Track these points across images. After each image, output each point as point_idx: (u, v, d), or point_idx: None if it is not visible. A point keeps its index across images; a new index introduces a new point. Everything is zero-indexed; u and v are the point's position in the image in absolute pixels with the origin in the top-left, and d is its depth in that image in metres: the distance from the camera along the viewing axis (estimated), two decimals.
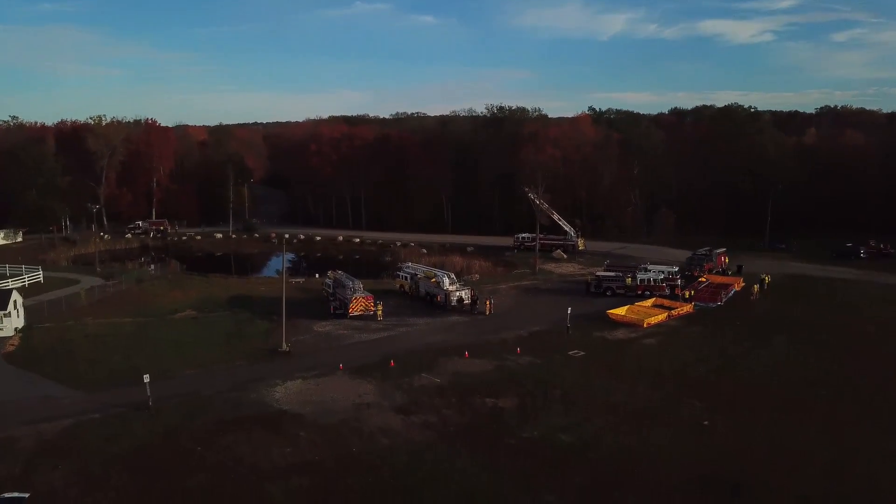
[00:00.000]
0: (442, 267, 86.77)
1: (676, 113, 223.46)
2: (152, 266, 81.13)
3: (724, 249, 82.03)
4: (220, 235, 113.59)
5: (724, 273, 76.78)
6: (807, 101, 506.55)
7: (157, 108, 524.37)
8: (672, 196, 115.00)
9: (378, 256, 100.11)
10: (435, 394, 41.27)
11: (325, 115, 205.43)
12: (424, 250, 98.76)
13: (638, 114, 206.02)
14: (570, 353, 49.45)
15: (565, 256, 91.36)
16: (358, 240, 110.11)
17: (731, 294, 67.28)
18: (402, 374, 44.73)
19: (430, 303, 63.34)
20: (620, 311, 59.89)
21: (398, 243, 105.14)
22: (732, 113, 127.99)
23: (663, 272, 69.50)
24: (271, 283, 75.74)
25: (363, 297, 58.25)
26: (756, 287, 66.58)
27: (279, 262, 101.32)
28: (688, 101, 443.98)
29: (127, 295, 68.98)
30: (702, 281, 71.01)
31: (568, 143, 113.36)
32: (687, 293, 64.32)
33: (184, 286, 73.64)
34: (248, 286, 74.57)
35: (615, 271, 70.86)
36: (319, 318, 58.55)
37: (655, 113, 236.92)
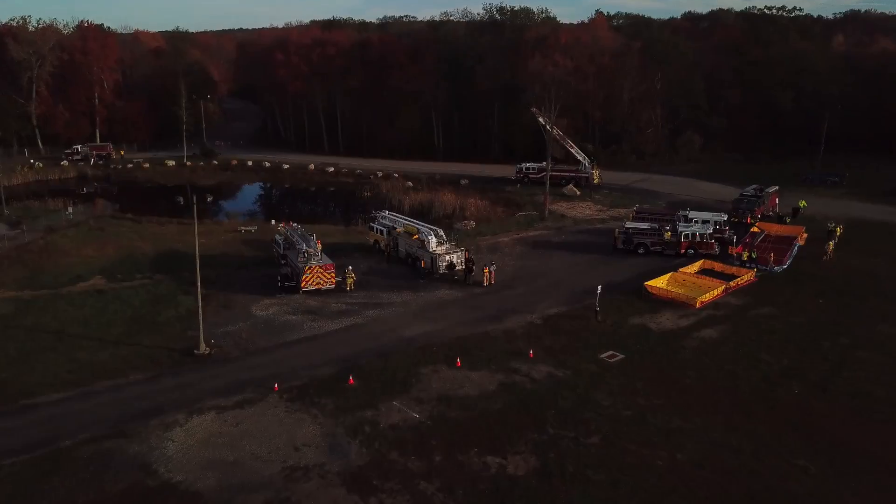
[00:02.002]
0: (430, 207, 72.46)
1: (690, 18, 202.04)
2: (70, 209, 65.50)
3: (776, 188, 66.92)
4: (171, 163, 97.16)
5: (780, 219, 61.96)
6: (812, 6, 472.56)
7: (135, 13, 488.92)
8: (700, 115, 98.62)
9: (355, 189, 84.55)
10: (410, 444, 27.26)
11: (307, 21, 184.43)
12: (410, 184, 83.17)
13: (650, 18, 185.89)
14: (604, 356, 35.31)
15: (578, 193, 76.13)
16: (332, 168, 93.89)
17: (794, 251, 52.84)
18: (364, 400, 30.61)
19: (413, 267, 48.68)
20: (660, 281, 45.47)
21: (379, 173, 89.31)
22: (774, 17, 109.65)
23: (708, 221, 54.79)
24: (218, 232, 60.70)
25: (320, 267, 43.43)
26: (831, 244, 51.96)
27: (241, 198, 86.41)
28: (691, 5, 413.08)
29: (25, 252, 53.86)
30: (755, 232, 56.38)
31: (581, 52, 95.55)
32: (745, 253, 49.73)
33: (105, 237, 58.62)
34: (186, 236, 59.11)
35: (649, 221, 56.01)
36: (264, 293, 43.87)
37: (667, 17, 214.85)
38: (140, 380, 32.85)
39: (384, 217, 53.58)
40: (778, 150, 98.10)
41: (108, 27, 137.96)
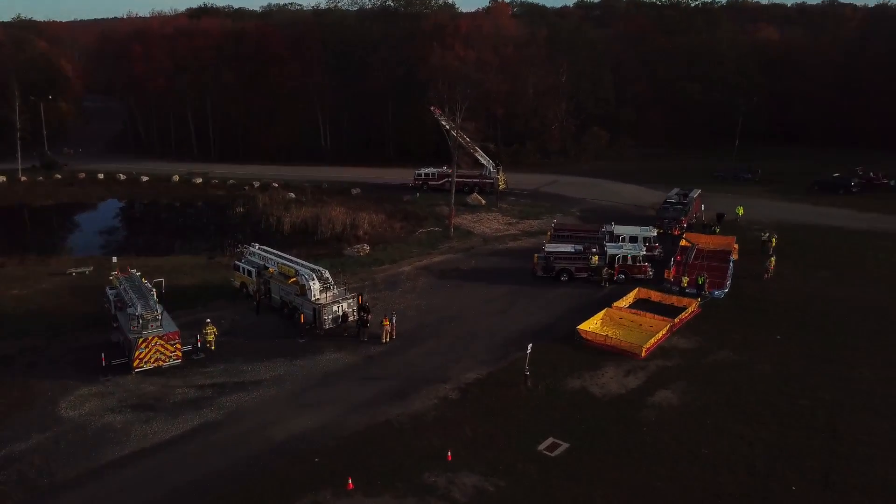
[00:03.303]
0: (316, 224, 62.17)
1: (583, 6, 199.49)
2: None
3: (699, 191, 61.17)
4: (2, 178, 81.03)
5: (708, 229, 55.82)
6: None
7: None
8: (607, 109, 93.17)
9: (227, 204, 72.29)
10: None
11: (182, 8, 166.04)
12: (292, 195, 72.10)
13: (544, 6, 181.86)
14: (544, 447, 26.81)
15: (483, 202, 67.83)
16: (199, 180, 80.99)
17: (731, 268, 46.58)
18: None
19: (291, 319, 38.46)
20: (594, 322, 37.67)
21: (256, 183, 77.56)
22: (677, 5, 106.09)
23: (637, 238, 47.87)
24: (39, 276, 47.66)
25: (161, 337, 32.50)
26: (772, 260, 46.01)
27: (83, 224, 72.20)
28: None
29: None
30: (685, 246, 49.76)
31: (483, 43, 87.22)
32: (685, 279, 42.73)
33: None
34: None
35: (570, 241, 48.39)
36: (82, 375, 32.11)
37: (559, 6, 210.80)
38: None
39: (252, 254, 42.62)
40: (686, 145, 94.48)
41: None
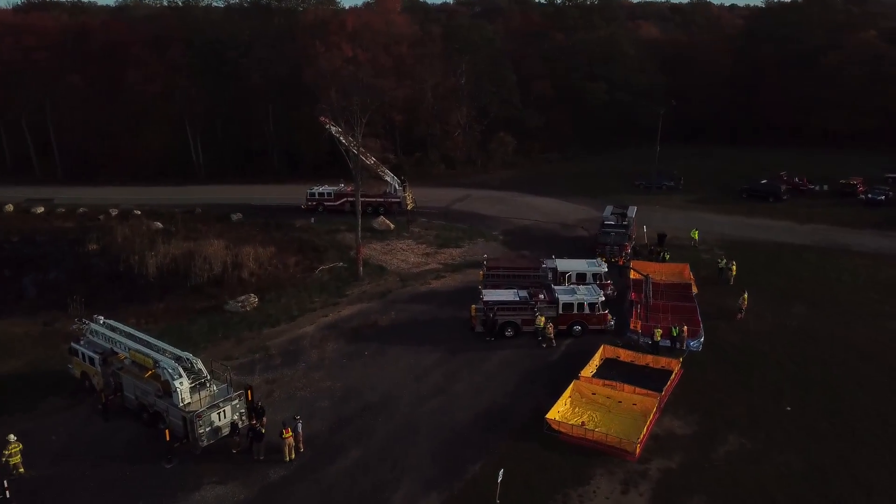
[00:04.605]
0: (189, 266, 49.98)
1: (463, 3, 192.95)
2: None
3: (635, 209, 54.41)
4: None
5: (657, 255, 48.67)
6: None
7: None
8: (512, 111, 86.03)
9: (77, 239, 58.15)
10: None
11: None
12: (159, 224, 59.43)
13: (425, 2, 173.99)
14: None
15: (392, 226, 58.29)
16: (41, 209, 66.08)
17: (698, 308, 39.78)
18: None
19: (154, 427, 27.40)
20: (563, 405, 29.20)
21: (113, 211, 64.02)
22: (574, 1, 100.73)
23: (585, 276, 40.12)
24: None
25: None
26: (745, 297, 39.32)
27: None
28: None
29: None
30: (636, 279, 42.42)
31: (374, 41, 77.28)
32: (658, 331, 35.09)
33: None
34: None
35: (507, 281, 39.96)
36: None
37: (439, 2, 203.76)
38: None
39: (95, 332, 30.79)
40: (594, 148, 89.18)
41: None
